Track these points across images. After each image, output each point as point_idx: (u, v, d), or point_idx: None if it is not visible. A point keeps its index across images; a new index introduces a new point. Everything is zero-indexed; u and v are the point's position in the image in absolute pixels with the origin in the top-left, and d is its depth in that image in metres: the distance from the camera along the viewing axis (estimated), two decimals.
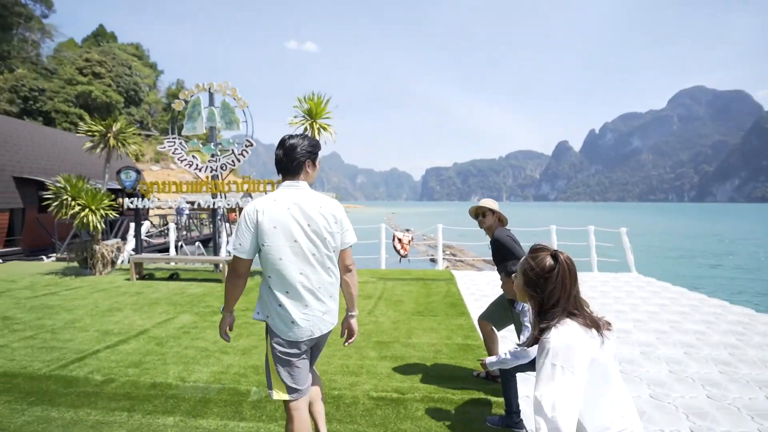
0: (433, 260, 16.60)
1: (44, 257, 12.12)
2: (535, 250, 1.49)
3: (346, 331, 2.16)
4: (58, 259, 11.09)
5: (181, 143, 8.40)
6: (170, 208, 17.96)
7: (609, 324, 1.41)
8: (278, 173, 2.01)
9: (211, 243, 19.70)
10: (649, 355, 3.98)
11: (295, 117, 7.82)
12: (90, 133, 8.28)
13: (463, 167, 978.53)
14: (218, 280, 7.66)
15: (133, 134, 8.71)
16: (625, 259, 9.22)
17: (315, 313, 1.93)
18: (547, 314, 1.40)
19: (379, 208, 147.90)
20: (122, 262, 9.78)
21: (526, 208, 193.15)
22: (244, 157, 8.23)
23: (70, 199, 7.76)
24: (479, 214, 3.24)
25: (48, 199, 8.02)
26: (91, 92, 48.24)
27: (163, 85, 68.78)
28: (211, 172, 8.27)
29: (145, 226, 12.32)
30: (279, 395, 1.94)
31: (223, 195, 8.35)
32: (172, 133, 8.54)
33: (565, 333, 1.32)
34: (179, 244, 13.41)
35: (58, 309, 5.71)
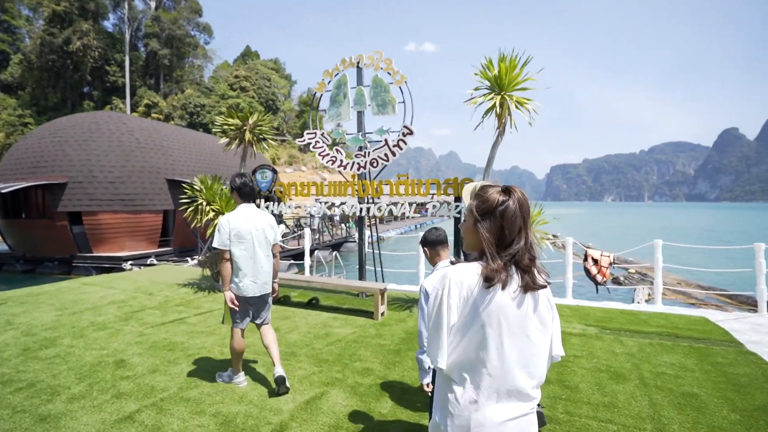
0: (616, 281, 12.78)
1: (189, 259, 12.11)
2: (483, 188, 1.31)
3: (273, 289, 3.60)
4: (198, 263, 10.71)
5: (322, 135, 6.77)
6: (310, 215, 17.49)
7: (543, 284, 1.24)
8: (240, 198, 3.42)
9: (342, 248, 18.79)
10: None
11: (476, 90, 5.46)
12: (226, 126, 7.17)
13: (594, 163, 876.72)
14: (369, 314, 5.73)
15: (269, 127, 7.38)
16: None
17: (258, 282, 3.38)
18: (505, 252, 1.23)
19: None
20: None
21: (673, 210, 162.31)
22: (401, 149, 6.20)
23: (204, 204, 6.73)
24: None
25: (184, 203, 7.14)
26: (239, 104, 53.75)
27: (296, 94, 74.34)
28: (358, 169, 6.43)
29: (280, 229, 11.46)
30: (228, 324, 3.48)
31: (371, 199, 6.46)
32: (313, 126, 6.97)
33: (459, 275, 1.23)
34: (313, 250, 12.23)
35: (179, 354, 4.28)
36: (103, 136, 13.57)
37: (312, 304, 6.33)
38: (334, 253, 9.04)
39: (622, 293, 11.72)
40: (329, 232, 18.27)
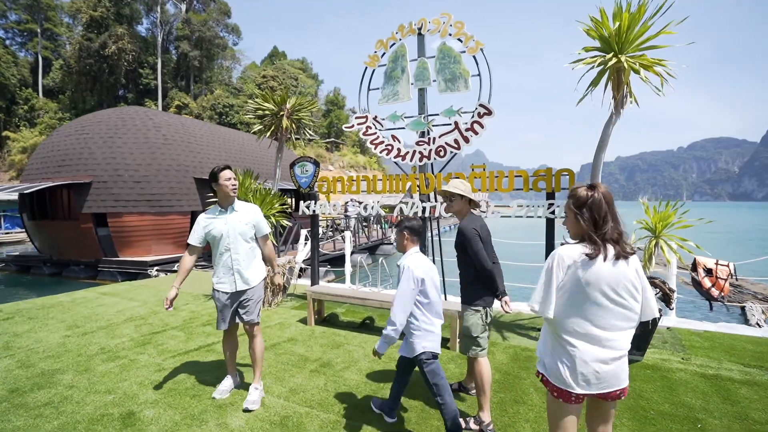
0: (716, 298, 11.01)
1: None
2: (573, 189, 1.80)
3: None
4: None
5: (374, 120, 5.59)
6: (345, 216, 16.49)
7: (631, 251, 1.71)
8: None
9: (378, 250, 17.63)
10: None
11: (585, 51, 4.15)
12: (260, 111, 6.10)
13: (628, 161, 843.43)
14: (443, 342, 4.50)
15: (309, 109, 6.27)
16: None
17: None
18: (599, 232, 1.69)
19: None
20: (297, 271, 7.69)
21: (717, 210, 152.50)
22: (476, 133, 4.95)
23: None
24: (446, 198, 3.07)
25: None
26: None
27: (323, 94, 74.13)
28: (420, 159, 5.23)
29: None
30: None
31: (435, 196, 5.24)
32: (384, 108, 5.80)
33: (564, 256, 1.72)
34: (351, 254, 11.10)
35: (207, 404, 3.17)
36: (129, 133, 12.86)
37: (366, 326, 5.17)
38: (381, 259, 7.87)
39: (722, 310, 10.06)
40: (365, 234, 17.15)
